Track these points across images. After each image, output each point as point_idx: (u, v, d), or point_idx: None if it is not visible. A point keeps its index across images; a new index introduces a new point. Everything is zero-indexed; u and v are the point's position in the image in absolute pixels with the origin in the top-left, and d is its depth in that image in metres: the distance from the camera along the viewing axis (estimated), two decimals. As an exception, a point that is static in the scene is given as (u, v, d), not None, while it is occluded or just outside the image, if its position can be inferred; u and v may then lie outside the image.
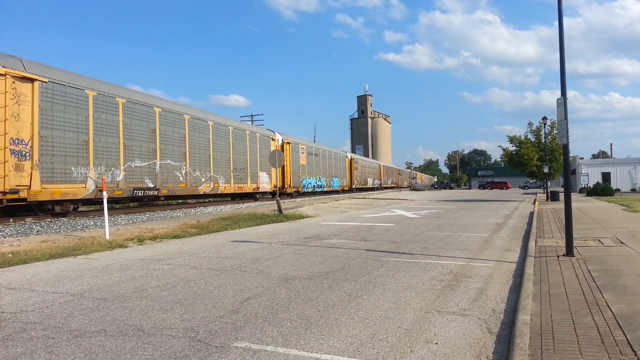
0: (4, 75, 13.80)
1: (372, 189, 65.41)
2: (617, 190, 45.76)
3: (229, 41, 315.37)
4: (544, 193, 39.87)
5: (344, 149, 56.84)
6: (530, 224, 15.06)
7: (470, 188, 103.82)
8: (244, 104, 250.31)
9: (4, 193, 13.77)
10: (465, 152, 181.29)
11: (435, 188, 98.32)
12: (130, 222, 16.33)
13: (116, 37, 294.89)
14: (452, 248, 9.88)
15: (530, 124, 36.79)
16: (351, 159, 54.82)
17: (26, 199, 14.53)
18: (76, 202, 17.51)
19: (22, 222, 15.15)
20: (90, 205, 21.07)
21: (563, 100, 8.31)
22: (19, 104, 14.25)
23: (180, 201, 27.80)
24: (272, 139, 33.19)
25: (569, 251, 8.23)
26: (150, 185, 20.08)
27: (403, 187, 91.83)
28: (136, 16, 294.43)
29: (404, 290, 6.05)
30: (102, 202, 12.18)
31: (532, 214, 19.42)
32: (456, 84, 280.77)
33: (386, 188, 75.14)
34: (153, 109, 20.59)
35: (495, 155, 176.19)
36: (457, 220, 16.74)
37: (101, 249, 9.86)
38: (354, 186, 54.93)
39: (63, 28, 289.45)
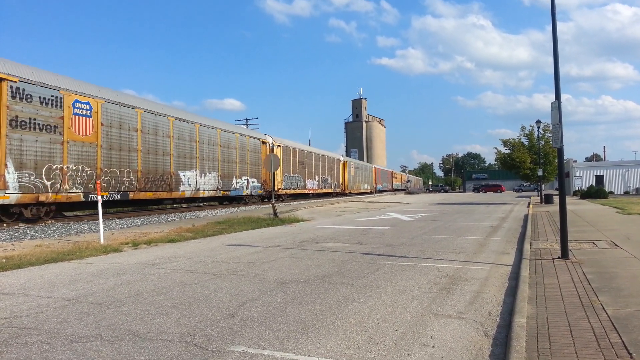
0: None
1: (246, 198, 29.74)
2: (611, 192, 46.13)
3: (223, 46, 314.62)
4: (538, 196, 40.06)
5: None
6: (525, 226, 15.12)
7: (464, 191, 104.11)
8: (239, 108, 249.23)
9: None
10: (460, 155, 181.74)
11: (429, 191, 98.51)
12: (125, 226, 16.26)
13: (110, 42, 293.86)
14: (448, 251, 9.90)
15: (522, 127, 37.06)
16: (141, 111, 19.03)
17: None
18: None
19: (16, 227, 15.04)
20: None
21: (557, 104, 8.37)
22: None
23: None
24: None
25: (564, 254, 8.27)
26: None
27: (366, 193, 59.06)
28: (130, 21, 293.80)
29: (400, 294, 6.06)
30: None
31: (526, 216, 19.50)
32: (450, 88, 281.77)
33: (317, 196, 42.02)
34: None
35: (490, 158, 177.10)
36: (453, 224, 16.78)
37: (96, 253, 9.81)
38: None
39: (57, 33, 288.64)
